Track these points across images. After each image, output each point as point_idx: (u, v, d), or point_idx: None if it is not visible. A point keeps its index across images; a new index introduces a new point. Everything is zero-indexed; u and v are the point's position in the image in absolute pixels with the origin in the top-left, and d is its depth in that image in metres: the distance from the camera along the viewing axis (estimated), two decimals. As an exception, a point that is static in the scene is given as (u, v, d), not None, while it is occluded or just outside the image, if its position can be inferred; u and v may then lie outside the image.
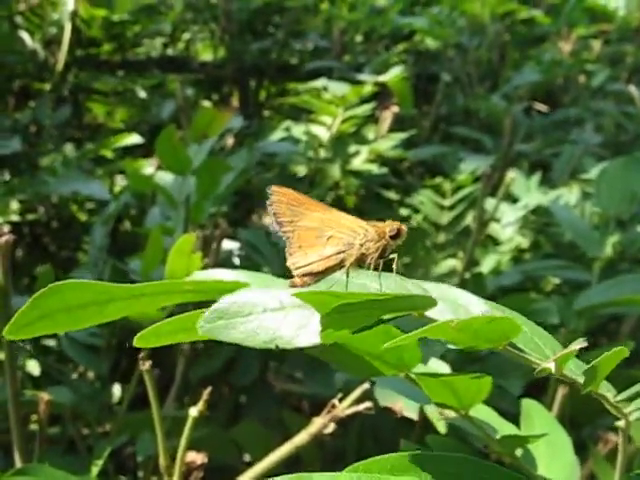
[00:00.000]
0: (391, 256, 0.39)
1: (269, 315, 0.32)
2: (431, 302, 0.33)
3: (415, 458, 0.32)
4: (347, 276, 0.39)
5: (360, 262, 0.40)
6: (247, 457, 0.86)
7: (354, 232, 0.40)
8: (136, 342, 0.35)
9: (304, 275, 0.39)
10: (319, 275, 0.39)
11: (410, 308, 0.33)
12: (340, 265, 0.39)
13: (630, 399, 0.35)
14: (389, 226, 0.39)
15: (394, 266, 0.39)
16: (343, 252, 0.40)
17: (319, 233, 0.40)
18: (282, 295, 0.33)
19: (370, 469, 0.32)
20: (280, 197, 0.41)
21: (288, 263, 0.40)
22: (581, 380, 0.34)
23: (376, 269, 0.39)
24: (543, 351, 0.35)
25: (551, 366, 0.33)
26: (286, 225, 0.41)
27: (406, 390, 0.49)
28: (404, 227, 0.40)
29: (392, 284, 0.37)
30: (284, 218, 0.41)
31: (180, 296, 0.37)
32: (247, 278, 0.42)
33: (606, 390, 0.35)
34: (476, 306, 0.36)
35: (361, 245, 0.39)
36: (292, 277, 0.41)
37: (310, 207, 0.41)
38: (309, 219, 0.41)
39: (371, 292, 0.36)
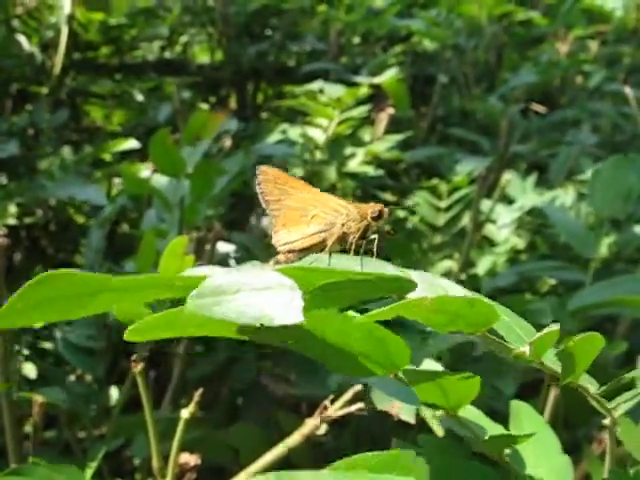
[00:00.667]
0: (372, 237, 0.40)
1: (256, 293, 0.32)
2: (411, 285, 0.33)
3: (398, 456, 0.32)
4: (329, 254, 0.39)
5: (342, 241, 0.40)
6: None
7: (337, 212, 0.41)
8: (128, 335, 0.35)
9: (288, 252, 0.40)
10: (302, 252, 0.40)
11: (391, 290, 0.34)
12: (322, 243, 0.41)
13: (613, 392, 0.35)
14: (371, 207, 0.40)
15: (374, 247, 0.40)
16: (325, 231, 0.41)
17: (303, 212, 0.41)
18: (269, 275, 0.33)
19: (353, 466, 0.32)
20: (267, 177, 0.42)
21: (273, 241, 0.42)
22: (557, 369, 0.34)
23: (358, 249, 0.40)
24: (524, 341, 0.35)
25: (526, 350, 0.33)
26: (273, 204, 0.42)
27: (402, 393, 0.49)
28: (386, 209, 0.40)
29: (374, 266, 0.38)
30: (271, 197, 0.42)
31: (170, 291, 0.37)
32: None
33: (588, 383, 0.36)
34: (458, 290, 0.37)
35: (343, 224, 0.40)
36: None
37: (296, 187, 0.42)
38: (294, 199, 0.42)
39: (356, 271, 0.37)
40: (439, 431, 0.52)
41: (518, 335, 0.35)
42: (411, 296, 0.34)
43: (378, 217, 0.40)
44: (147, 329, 0.35)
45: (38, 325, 0.88)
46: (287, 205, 0.42)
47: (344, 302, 0.33)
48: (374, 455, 0.33)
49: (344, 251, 0.41)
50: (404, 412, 0.55)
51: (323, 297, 0.31)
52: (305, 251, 0.40)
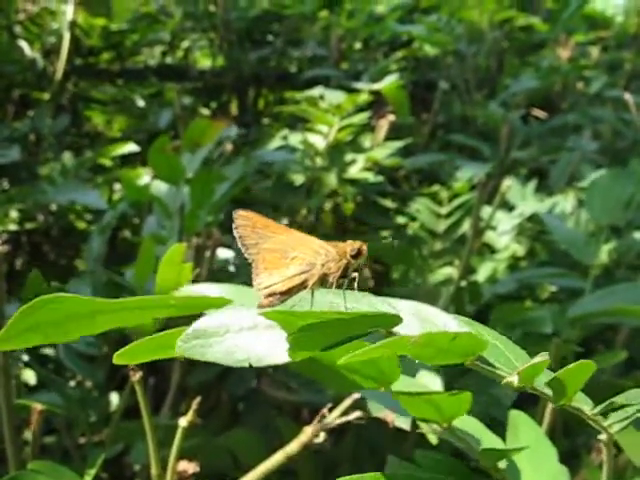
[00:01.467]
0: (353, 275, 0.40)
1: (244, 334, 0.34)
2: (396, 319, 0.34)
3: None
4: (312, 295, 0.40)
5: (323, 281, 0.41)
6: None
7: (316, 253, 0.41)
8: (116, 359, 0.35)
9: (269, 295, 0.40)
10: (284, 295, 0.41)
11: (376, 325, 0.34)
12: (303, 285, 0.41)
13: (608, 412, 0.35)
14: (350, 246, 0.41)
15: (355, 285, 0.40)
16: (306, 272, 0.41)
17: (283, 255, 0.41)
18: (256, 315, 0.34)
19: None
20: (245, 221, 0.42)
21: (254, 284, 0.41)
22: (548, 393, 0.34)
23: (339, 288, 0.40)
24: (514, 366, 0.35)
25: (514, 380, 0.33)
26: (251, 248, 0.42)
27: (396, 405, 0.49)
28: (364, 247, 0.41)
29: (360, 301, 0.38)
30: (249, 241, 0.42)
31: (165, 311, 0.37)
32: (231, 293, 0.43)
33: (584, 403, 0.35)
34: (446, 321, 0.37)
35: (323, 265, 0.41)
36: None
37: (274, 230, 0.42)
38: (273, 241, 0.42)
39: (335, 311, 0.37)
40: (433, 440, 0.51)
41: (508, 359, 0.35)
42: (398, 329, 0.34)
43: (357, 255, 0.40)
44: (136, 352, 0.36)
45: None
46: (266, 248, 0.42)
47: (329, 340, 0.33)
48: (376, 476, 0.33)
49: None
50: (399, 419, 0.55)
51: (307, 337, 0.32)
52: (287, 293, 0.41)
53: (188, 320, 0.36)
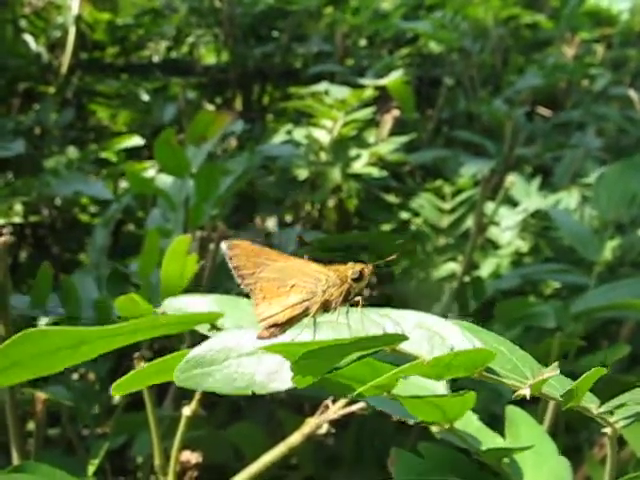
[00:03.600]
0: (356, 299, 0.39)
1: (244, 360, 0.33)
2: (401, 338, 0.33)
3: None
4: (314, 323, 0.39)
5: (325, 308, 0.39)
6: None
7: (316, 279, 0.40)
8: (114, 391, 0.35)
9: (270, 326, 0.39)
10: (285, 325, 0.39)
11: (380, 346, 0.34)
12: (305, 313, 0.39)
13: (614, 409, 0.35)
14: (351, 269, 0.39)
15: (359, 309, 0.39)
16: (307, 300, 0.40)
17: (281, 283, 0.40)
18: (254, 337, 0.34)
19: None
20: (239, 250, 0.41)
21: (255, 314, 0.40)
22: (558, 398, 0.34)
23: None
24: (521, 371, 0.35)
25: (526, 392, 0.33)
26: (248, 277, 0.41)
27: (398, 409, 0.49)
28: (367, 268, 0.39)
29: (363, 320, 0.38)
30: (245, 271, 0.41)
31: (155, 331, 0.37)
32: (220, 305, 0.42)
33: (590, 402, 0.36)
34: (451, 333, 0.36)
35: (324, 291, 0.39)
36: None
37: (270, 257, 0.41)
38: (270, 270, 0.41)
39: (337, 337, 0.37)
40: (434, 428, 0.51)
41: (515, 366, 0.35)
42: (405, 345, 0.34)
43: (359, 279, 0.39)
44: (134, 381, 0.35)
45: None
46: (263, 277, 0.41)
47: (334, 363, 0.33)
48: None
49: None
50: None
51: (311, 364, 0.31)
52: (288, 323, 0.39)
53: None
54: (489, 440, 0.45)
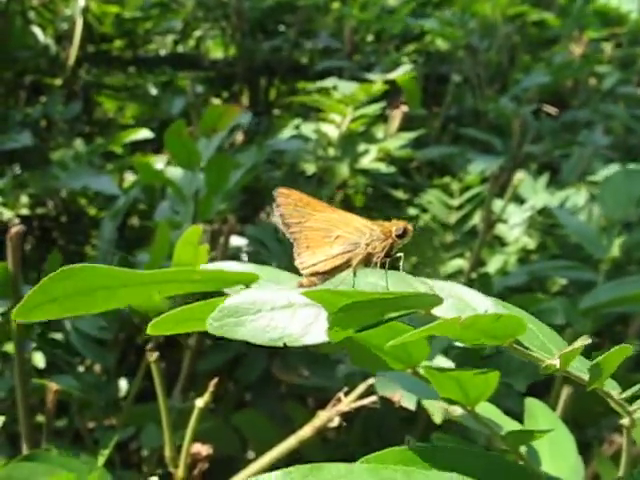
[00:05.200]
0: (397, 255, 0.40)
1: (278, 313, 0.32)
2: (437, 300, 0.33)
3: (424, 451, 0.33)
4: (354, 275, 0.39)
5: (367, 261, 0.40)
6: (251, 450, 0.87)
7: (360, 232, 0.40)
8: (149, 330, 0.35)
9: (312, 275, 0.39)
10: (326, 274, 0.40)
11: (416, 306, 0.34)
12: (347, 264, 0.40)
13: (635, 397, 0.35)
14: (395, 225, 0.40)
15: (400, 264, 0.39)
16: (350, 251, 0.40)
17: (326, 233, 0.40)
18: (290, 293, 0.34)
19: (384, 460, 0.32)
20: (286, 199, 0.41)
21: (296, 263, 0.41)
22: (586, 377, 0.34)
23: (382, 267, 0.39)
24: (548, 348, 0.35)
25: (556, 363, 0.33)
26: (293, 226, 0.41)
27: (405, 382, 0.49)
28: (410, 226, 0.40)
29: (399, 282, 0.38)
30: (291, 219, 0.41)
31: (189, 285, 0.37)
32: (255, 270, 0.42)
33: (611, 388, 0.36)
34: (482, 303, 0.37)
35: (367, 244, 0.40)
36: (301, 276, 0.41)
37: (317, 208, 0.41)
38: (316, 220, 0.41)
39: (378, 291, 0.37)
40: (438, 419, 0.51)
41: (542, 342, 0.35)
42: (437, 311, 0.34)
43: (402, 235, 0.40)
44: (169, 323, 0.35)
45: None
46: (309, 227, 0.41)
47: (370, 319, 0.33)
48: (401, 450, 0.33)
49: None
50: (406, 399, 0.55)
51: (347, 317, 0.31)
52: (329, 273, 0.40)
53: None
54: (507, 426, 0.45)
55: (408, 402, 0.53)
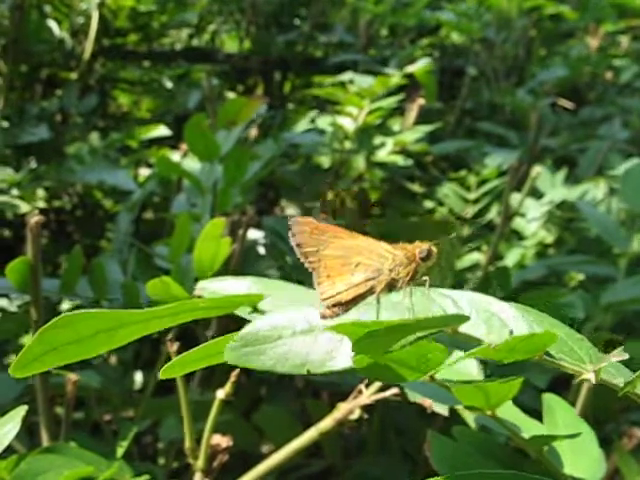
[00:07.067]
0: (423, 278, 0.38)
1: (299, 339, 0.32)
2: (463, 319, 0.33)
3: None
4: (377, 303, 0.38)
5: (391, 287, 0.38)
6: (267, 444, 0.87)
7: (382, 257, 0.39)
8: (163, 374, 0.34)
9: (334, 305, 0.38)
10: (349, 304, 0.38)
11: (443, 326, 0.33)
12: (370, 292, 0.38)
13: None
14: (418, 247, 0.38)
15: (426, 289, 0.38)
16: (372, 279, 0.38)
17: (346, 261, 0.39)
18: (310, 316, 0.33)
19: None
20: (302, 227, 0.40)
21: (317, 293, 0.39)
22: (617, 381, 0.34)
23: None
24: (578, 355, 0.35)
25: (591, 377, 0.32)
26: (311, 255, 0.40)
27: (438, 394, 0.48)
28: (434, 248, 0.38)
29: (423, 299, 0.37)
30: (308, 248, 0.40)
31: (194, 314, 0.36)
32: (259, 287, 0.42)
33: (640, 388, 0.35)
34: (508, 313, 0.36)
35: (390, 270, 0.38)
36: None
37: (334, 234, 0.40)
38: (334, 247, 0.40)
39: (401, 317, 0.36)
40: (472, 423, 0.51)
41: (571, 349, 0.34)
42: (464, 328, 0.33)
43: (427, 257, 0.38)
44: (185, 364, 0.34)
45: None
46: (327, 255, 0.39)
47: (394, 343, 0.32)
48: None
49: None
50: (437, 405, 0.54)
51: (373, 343, 0.30)
52: (352, 302, 0.38)
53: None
54: (528, 427, 0.45)
55: (440, 408, 0.52)
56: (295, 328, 0.32)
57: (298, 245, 0.40)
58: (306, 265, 0.40)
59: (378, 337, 0.30)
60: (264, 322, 0.32)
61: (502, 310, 0.35)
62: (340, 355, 0.31)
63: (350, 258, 0.39)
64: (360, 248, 0.39)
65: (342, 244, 0.39)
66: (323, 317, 0.37)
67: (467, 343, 0.60)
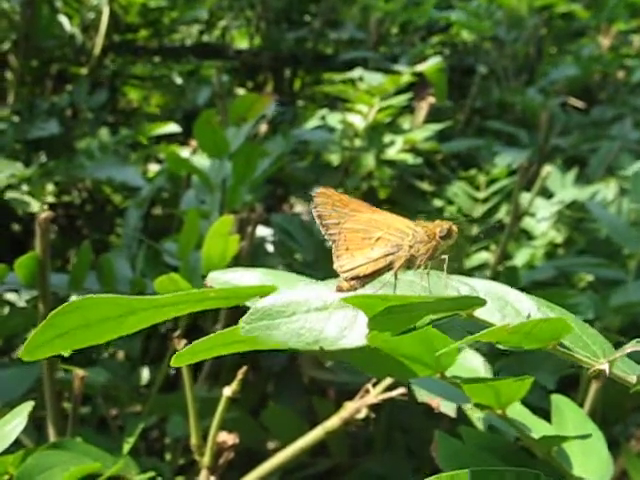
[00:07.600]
0: (441, 257, 0.38)
1: (313, 315, 0.31)
2: (479, 302, 0.32)
3: None
4: (395, 278, 0.37)
5: (409, 264, 0.38)
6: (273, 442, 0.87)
7: (403, 233, 0.39)
8: (174, 362, 0.34)
9: (352, 279, 0.38)
10: (367, 278, 0.38)
11: (458, 308, 0.33)
12: (388, 267, 0.38)
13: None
14: (439, 226, 0.38)
15: (444, 267, 0.38)
16: (392, 254, 0.38)
17: (366, 235, 0.39)
18: (326, 294, 0.33)
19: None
20: (325, 199, 0.40)
21: (335, 266, 0.39)
22: (630, 378, 0.33)
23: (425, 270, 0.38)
24: (592, 349, 0.34)
25: (605, 368, 0.32)
26: (332, 227, 0.40)
27: (448, 392, 0.48)
28: (454, 227, 0.38)
29: (439, 282, 0.37)
30: (330, 220, 0.40)
31: (203, 304, 0.35)
32: (271, 279, 0.41)
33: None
34: (524, 303, 0.36)
35: (410, 246, 0.38)
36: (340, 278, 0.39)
37: (356, 208, 0.40)
38: (355, 220, 0.39)
39: (418, 294, 0.36)
40: (479, 424, 0.51)
41: (585, 343, 0.34)
42: (479, 313, 0.33)
43: (447, 236, 0.38)
44: (196, 352, 0.34)
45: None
46: (348, 228, 0.39)
47: (409, 323, 0.32)
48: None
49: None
50: (445, 405, 0.54)
51: (387, 320, 0.30)
52: (370, 276, 0.38)
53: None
54: (537, 427, 0.45)
55: (447, 408, 0.52)
56: (310, 305, 0.31)
57: (319, 216, 0.40)
58: (327, 237, 0.40)
59: (396, 313, 0.29)
60: (279, 298, 0.31)
61: (518, 300, 0.35)
62: (353, 333, 0.30)
63: (371, 232, 0.39)
64: (381, 223, 0.39)
65: (363, 218, 0.39)
66: (340, 290, 0.37)
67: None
